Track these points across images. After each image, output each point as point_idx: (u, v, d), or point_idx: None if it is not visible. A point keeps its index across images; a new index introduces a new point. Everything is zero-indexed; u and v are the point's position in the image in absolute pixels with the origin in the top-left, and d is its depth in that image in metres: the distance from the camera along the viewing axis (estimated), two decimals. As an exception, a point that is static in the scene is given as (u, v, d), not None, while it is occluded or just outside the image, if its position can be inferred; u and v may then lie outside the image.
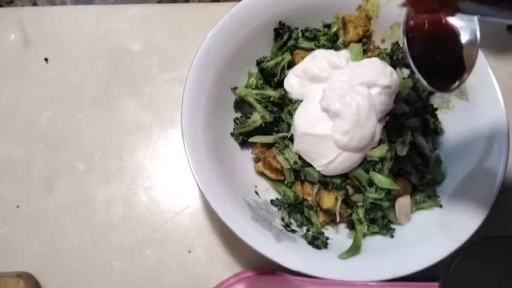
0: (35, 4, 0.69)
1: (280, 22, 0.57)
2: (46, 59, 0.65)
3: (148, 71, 0.64)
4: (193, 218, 0.59)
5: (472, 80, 0.53)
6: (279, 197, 0.57)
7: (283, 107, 0.57)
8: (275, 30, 0.58)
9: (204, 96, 0.53)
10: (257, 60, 0.58)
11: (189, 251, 0.57)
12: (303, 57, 0.56)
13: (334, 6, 0.58)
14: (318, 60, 0.54)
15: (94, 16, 0.67)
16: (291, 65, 0.58)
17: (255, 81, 0.58)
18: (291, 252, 0.50)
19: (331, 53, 0.55)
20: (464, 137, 0.55)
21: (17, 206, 0.59)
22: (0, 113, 0.63)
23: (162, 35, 0.66)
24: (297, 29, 0.59)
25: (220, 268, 0.57)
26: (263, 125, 0.56)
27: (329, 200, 0.53)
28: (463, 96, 0.55)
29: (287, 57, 0.58)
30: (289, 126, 0.55)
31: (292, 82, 0.55)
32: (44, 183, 0.60)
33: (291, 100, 0.56)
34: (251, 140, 0.57)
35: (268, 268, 0.52)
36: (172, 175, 0.61)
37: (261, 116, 0.56)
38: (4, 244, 0.58)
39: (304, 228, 0.55)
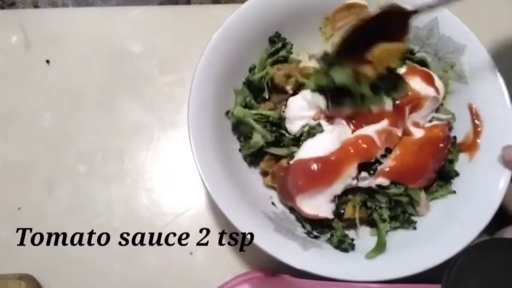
0: (36, 6, 0.69)
1: (276, 32, 0.57)
2: (47, 61, 0.65)
3: (150, 73, 0.64)
4: (195, 220, 0.59)
5: (470, 62, 0.54)
6: None
7: (281, 125, 0.55)
8: (270, 38, 0.57)
9: (210, 111, 0.53)
10: (246, 79, 0.57)
11: (191, 253, 0.57)
12: (283, 75, 0.56)
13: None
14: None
15: (95, 18, 0.67)
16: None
17: (243, 99, 0.56)
18: (320, 259, 0.49)
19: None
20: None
21: (19, 208, 0.59)
22: (1, 114, 0.63)
23: (163, 37, 0.66)
24: (292, 45, 0.58)
25: (221, 270, 0.56)
26: (264, 145, 0.55)
27: (348, 210, 0.53)
28: (462, 79, 0.55)
29: (270, 71, 0.57)
30: (292, 139, 0.55)
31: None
32: (45, 186, 0.60)
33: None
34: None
35: (269, 269, 0.52)
36: (174, 177, 0.61)
37: (261, 136, 0.54)
38: (5, 246, 0.58)
39: (328, 233, 0.54)
